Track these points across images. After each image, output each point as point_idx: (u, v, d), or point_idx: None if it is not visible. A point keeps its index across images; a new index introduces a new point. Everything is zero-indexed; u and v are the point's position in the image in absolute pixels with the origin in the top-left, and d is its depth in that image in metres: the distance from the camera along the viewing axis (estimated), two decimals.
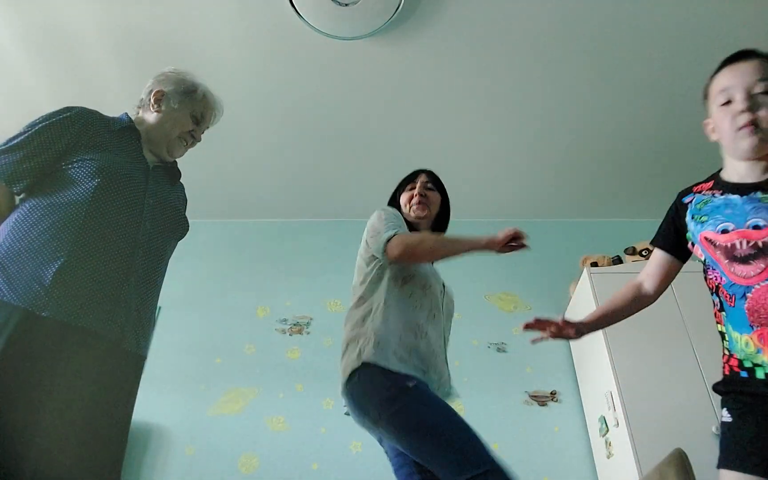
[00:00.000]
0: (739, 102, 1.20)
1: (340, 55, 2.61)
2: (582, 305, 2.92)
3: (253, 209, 3.65)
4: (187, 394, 2.96)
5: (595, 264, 3.00)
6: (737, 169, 1.25)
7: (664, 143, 3.04)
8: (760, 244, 1.12)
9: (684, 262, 1.42)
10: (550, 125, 3.00)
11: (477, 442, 1.30)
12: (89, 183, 1.27)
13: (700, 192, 1.32)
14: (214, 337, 3.19)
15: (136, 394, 1.35)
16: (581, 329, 1.48)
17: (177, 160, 1.63)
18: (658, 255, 1.44)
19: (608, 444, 2.52)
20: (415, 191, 1.78)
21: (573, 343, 3.08)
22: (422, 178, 1.83)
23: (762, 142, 1.18)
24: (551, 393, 2.94)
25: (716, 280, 1.23)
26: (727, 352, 1.22)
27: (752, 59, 1.23)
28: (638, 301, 1.46)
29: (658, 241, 1.45)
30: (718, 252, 1.20)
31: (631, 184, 3.37)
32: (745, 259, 1.14)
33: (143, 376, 3.34)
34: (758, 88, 1.19)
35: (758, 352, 1.12)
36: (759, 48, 1.26)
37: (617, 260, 3.01)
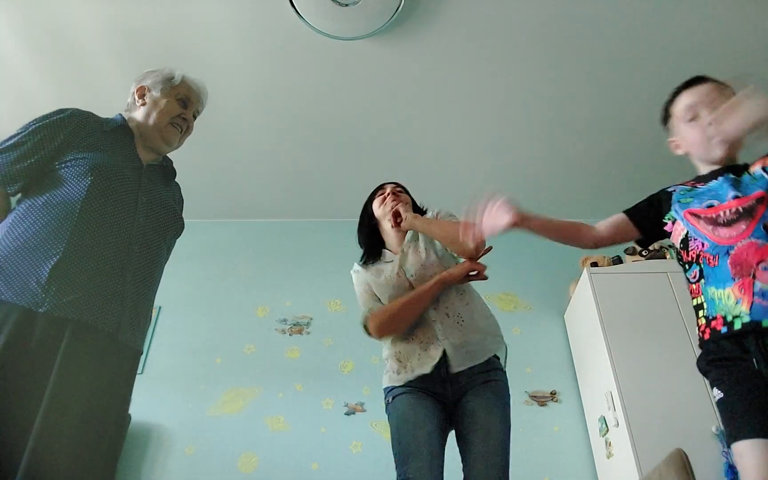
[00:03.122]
0: (707, 115, 1.38)
1: (340, 55, 2.61)
2: (582, 305, 2.92)
3: (253, 209, 3.65)
4: (187, 394, 2.96)
5: (595, 264, 3.01)
6: (709, 167, 1.43)
7: (664, 143, 3.03)
8: (740, 209, 1.29)
9: (640, 241, 1.55)
10: (550, 125, 3.00)
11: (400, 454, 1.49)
12: (82, 182, 1.29)
13: (683, 184, 1.48)
14: (214, 337, 3.19)
15: (131, 387, 1.35)
16: (519, 217, 1.52)
17: (173, 160, 1.64)
18: (623, 218, 1.57)
19: (608, 444, 2.52)
20: (387, 192, 1.89)
21: (573, 343, 3.08)
22: (390, 185, 1.94)
23: (729, 146, 1.37)
24: (551, 393, 2.94)
25: (698, 248, 1.35)
26: (704, 321, 1.33)
27: (708, 82, 1.44)
28: (580, 235, 1.62)
29: (630, 211, 1.57)
30: (702, 222, 1.35)
31: (631, 184, 3.37)
32: (728, 223, 1.30)
33: (144, 376, 3.35)
34: (718, 104, 1.35)
35: (737, 302, 1.23)
36: None
37: (617, 260, 3.01)
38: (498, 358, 1.69)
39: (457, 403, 1.60)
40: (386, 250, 1.84)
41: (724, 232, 1.30)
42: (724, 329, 1.25)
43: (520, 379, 2.98)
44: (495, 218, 1.51)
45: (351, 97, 2.84)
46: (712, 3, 2.38)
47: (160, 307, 3.27)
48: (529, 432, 2.81)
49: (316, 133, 3.07)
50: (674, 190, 1.48)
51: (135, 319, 1.31)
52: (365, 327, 1.70)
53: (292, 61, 2.65)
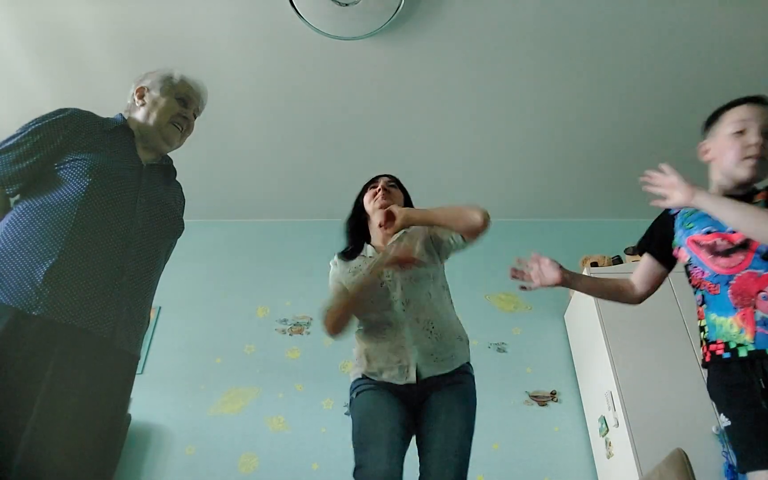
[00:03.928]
0: (753, 135, 1.38)
1: (340, 55, 2.61)
2: (582, 305, 2.92)
3: (253, 209, 3.65)
4: (187, 394, 2.96)
5: (595, 264, 3.01)
6: (722, 190, 1.44)
7: (664, 143, 3.03)
8: (736, 242, 1.33)
9: (669, 270, 1.58)
10: (550, 125, 3.00)
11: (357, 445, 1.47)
12: (80, 183, 1.27)
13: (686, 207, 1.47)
14: (214, 337, 3.19)
15: (129, 392, 1.33)
16: (565, 276, 1.64)
17: (173, 159, 1.63)
18: (648, 261, 1.60)
19: (608, 444, 2.52)
20: (378, 186, 1.85)
21: (573, 343, 3.08)
22: (384, 179, 1.91)
23: (759, 173, 1.39)
24: (551, 393, 2.94)
25: (699, 275, 1.40)
26: (705, 343, 1.38)
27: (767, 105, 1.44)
28: (624, 295, 1.64)
29: (647, 247, 1.61)
30: (703, 250, 1.39)
31: (631, 183, 3.36)
32: (726, 253, 1.34)
33: (144, 376, 3.34)
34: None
35: (741, 332, 1.27)
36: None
37: (617, 260, 3.01)
38: (469, 365, 1.66)
39: (421, 403, 1.57)
40: (369, 246, 1.80)
41: (723, 261, 1.34)
42: (726, 354, 1.30)
43: (520, 379, 2.98)
44: (543, 275, 1.64)
45: (351, 97, 2.84)
46: (709, 3, 2.38)
47: (160, 307, 3.27)
48: (529, 432, 2.81)
49: (316, 133, 3.07)
50: (677, 213, 1.50)
51: (131, 324, 1.29)
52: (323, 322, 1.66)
53: (292, 61, 2.65)
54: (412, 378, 1.56)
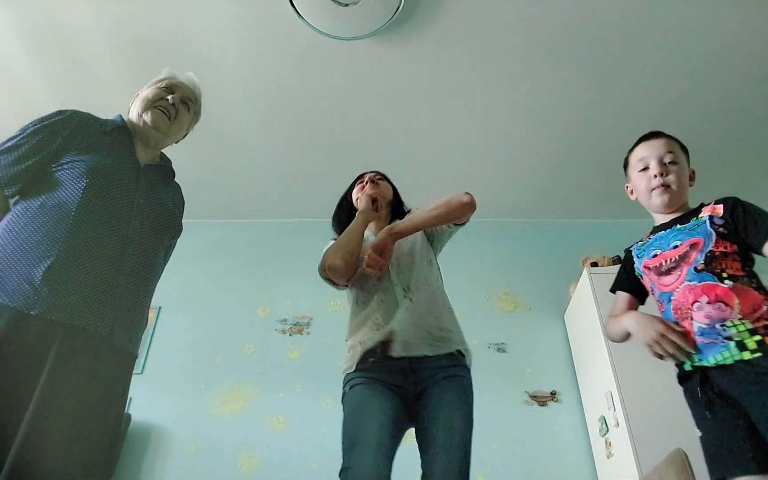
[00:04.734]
0: (654, 168, 1.54)
1: (340, 55, 2.61)
2: (582, 305, 2.92)
3: (252, 209, 3.65)
4: (187, 394, 2.96)
5: (595, 264, 3.00)
6: (662, 219, 1.56)
7: None
8: (676, 257, 1.41)
9: (642, 301, 1.63)
10: (550, 125, 3.00)
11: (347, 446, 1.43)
12: (78, 184, 1.28)
13: (641, 241, 1.61)
14: (214, 337, 3.19)
15: (127, 391, 1.34)
16: None
17: (173, 159, 1.64)
18: (622, 296, 1.65)
19: (608, 444, 2.52)
20: (365, 180, 1.92)
21: (573, 343, 3.08)
22: (370, 174, 1.96)
23: (671, 198, 1.51)
24: (551, 393, 2.94)
25: (654, 296, 1.49)
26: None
27: (661, 137, 1.59)
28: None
29: (618, 286, 1.66)
30: (652, 273, 1.48)
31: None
32: (668, 272, 1.42)
33: (144, 376, 3.34)
34: (667, 158, 1.54)
35: None
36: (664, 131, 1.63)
37: (617, 260, 3.01)
38: (463, 356, 1.64)
39: (418, 397, 1.54)
40: (372, 230, 1.85)
41: (665, 279, 1.42)
42: (678, 371, 1.42)
43: (520, 379, 2.98)
44: None
45: (351, 97, 2.84)
46: (707, 4, 2.38)
47: (160, 307, 3.27)
48: (529, 432, 2.81)
49: (316, 133, 3.07)
50: (633, 248, 1.62)
51: (130, 322, 1.30)
52: (322, 269, 1.73)
53: (292, 61, 2.65)
54: (386, 334, 1.55)
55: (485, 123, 2.99)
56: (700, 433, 1.33)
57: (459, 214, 1.69)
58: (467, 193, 1.69)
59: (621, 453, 2.38)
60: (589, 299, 2.80)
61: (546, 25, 2.48)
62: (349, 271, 1.67)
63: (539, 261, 3.44)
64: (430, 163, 3.25)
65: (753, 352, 1.22)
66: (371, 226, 1.84)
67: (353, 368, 1.59)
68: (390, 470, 1.38)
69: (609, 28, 2.49)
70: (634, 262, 1.59)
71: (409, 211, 1.90)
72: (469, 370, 1.65)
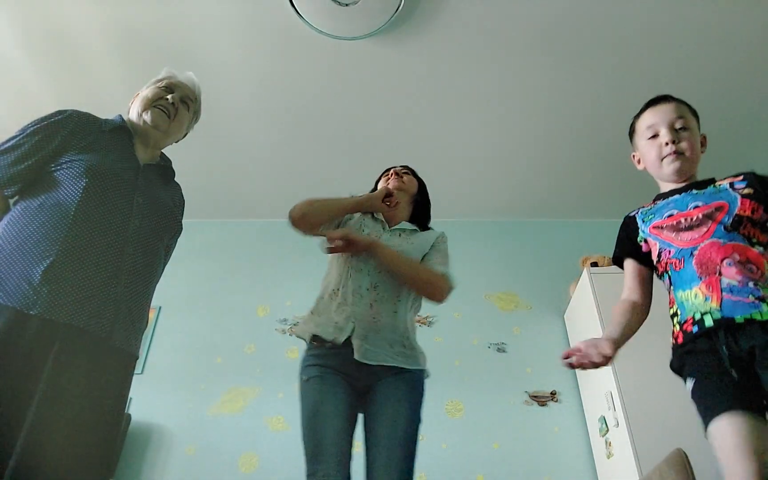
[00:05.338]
0: (664, 135, 1.45)
1: (340, 55, 2.61)
2: (582, 305, 2.92)
3: (253, 209, 3.65)
4: (187, 394, 2.96)
5: (595, 264, 3.00)
6: (667, 188, 1.49)
7: None
8: (701, 215, 1.34)
9: (651, 268, 1.52)
10: (550, 125, 3.00)
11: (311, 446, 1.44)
12: (77, 183, 1.28)
13: (644, 207, 1.53)
14: (214, 337, 3.19)
15: (127, 391, 1.34)
16: (615, 347, 1.51)
17: (173, 158, 1.64)
18: (628, 264, 1.56)
19: (608, 444, 2.52)
20: (390, 173, 1.94)
21: (573, 343, 3.05)
22: (397, 167, 1.97)
23: (684, 166, 1.44)
24: (551, 393, 2.94)
25: (666, 256, 1.39)
26: (677, 327, 1.36)
27: (670, 101, 1.50)
28: (638, 313, 1.54)
29: (624, 252, 1.56)
30: (665, 230, 1.41)
31: (632, 183, 3.37)
32: (689, 228, 1.35)
33: (144, 376, 3.34)
34: (678, 124, 1.46)
35: (706, 299, 1.26)
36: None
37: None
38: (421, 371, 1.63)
39: (368, 389, 1.54)
40: (381, 218, 1.85)
41: (686, 235, 1.35)
42: (694, 328, 1.28)
43: (520, 379, 2.98)
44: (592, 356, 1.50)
45: (351, 97, 2.84)
46: (716, 2, 2.38)
47: (160, 307, 3.27)
48: (529, 432, 2.81)
49: (316, 133, 3.07)
50: (636, 213, 1.54)
51: (129, 323, 1.30)
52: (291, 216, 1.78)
53: (292, 60, 2.65)
54: (340, 340, 1.54)
55: (485, 122, 2.99)
56: (694, 381, 1.29)
57: (426, 294, 1.66)
58: (449, 288, 1.64)
59: (621, 453, 2.38)
60: (589, 299, 2.80)
61: (546, 26, 2.48)
62: (304, 227, 1.78)
63: (539, 261, 3.45)
64: (430, 162, 3.24)
65: None
66: (380, 215, 1.84)
67: (307, 343, 1.62)
68: (350, 470, 1.42)
69: (610, 27, 2.49)
70: (638, 227, 1.51)
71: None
72: (423, 371, 1.64)
